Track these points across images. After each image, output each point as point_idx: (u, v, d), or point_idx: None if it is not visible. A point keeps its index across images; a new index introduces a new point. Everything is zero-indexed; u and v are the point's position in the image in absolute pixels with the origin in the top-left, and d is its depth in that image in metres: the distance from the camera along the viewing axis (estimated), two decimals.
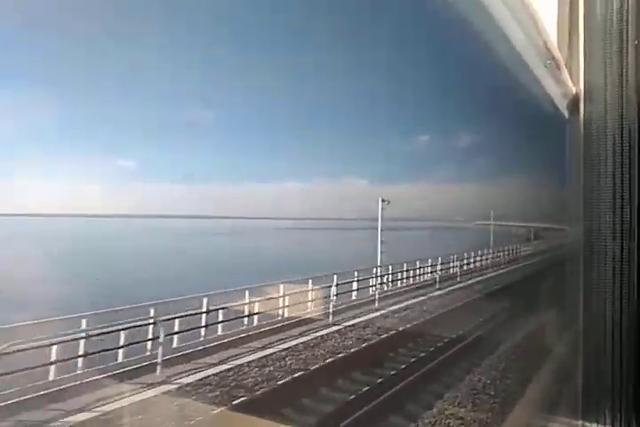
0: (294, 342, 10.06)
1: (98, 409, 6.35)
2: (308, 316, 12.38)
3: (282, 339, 10.23)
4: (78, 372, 7.62)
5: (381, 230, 21.23)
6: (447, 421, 6.91)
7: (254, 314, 11.50)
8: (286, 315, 12.16)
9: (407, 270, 20.44)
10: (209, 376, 7.88)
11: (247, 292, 12.18)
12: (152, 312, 9.15)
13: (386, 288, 17.87)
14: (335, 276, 14.51)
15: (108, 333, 8.42)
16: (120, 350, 8.40)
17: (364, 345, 10.33)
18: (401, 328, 11.81)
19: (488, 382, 8.55)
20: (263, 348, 9.54)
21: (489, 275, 24.15)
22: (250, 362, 8.68)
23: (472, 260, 27.11)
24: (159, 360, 8.07)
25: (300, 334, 10.71)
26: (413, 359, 9.52)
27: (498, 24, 2.11)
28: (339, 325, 11.71)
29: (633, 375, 1.68)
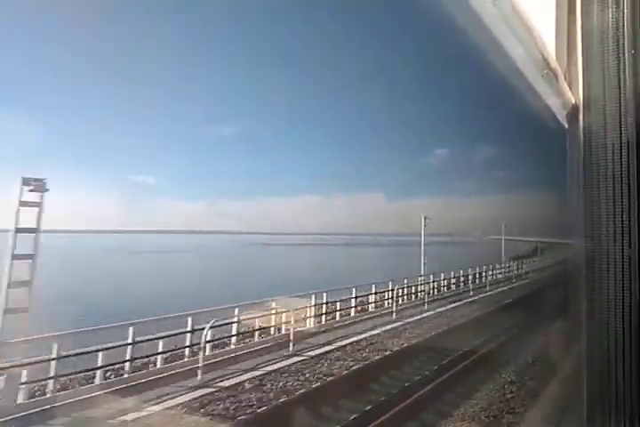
0: None
1: None
2: None
3: None
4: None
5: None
6: None
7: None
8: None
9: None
10: None
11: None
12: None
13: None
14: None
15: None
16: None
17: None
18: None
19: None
20: None
21: (498, 290, 24.25)
22: None
23: (483, 275, 27.07)
24: None
25: None
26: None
27: (495, 36, 2.12)
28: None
29: (637, 384, 1.63)
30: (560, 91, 2.28)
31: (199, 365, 8.99)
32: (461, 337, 12.95)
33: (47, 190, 7.80)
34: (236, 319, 11.62)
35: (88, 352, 8.62)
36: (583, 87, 2.28)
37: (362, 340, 12.38)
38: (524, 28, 2.16)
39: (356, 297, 16.71)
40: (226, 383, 8.58)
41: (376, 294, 17.99)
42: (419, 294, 20.32)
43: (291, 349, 11.04)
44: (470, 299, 20.69)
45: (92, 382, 8.61)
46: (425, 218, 23.55)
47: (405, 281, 20.13)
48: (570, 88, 2.37)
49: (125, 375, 8.78)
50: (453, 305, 18.87)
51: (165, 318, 10.55)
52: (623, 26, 1.86)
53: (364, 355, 11.06)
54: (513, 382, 9.27)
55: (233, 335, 11.54)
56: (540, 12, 2.23)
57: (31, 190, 7.64)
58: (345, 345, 11.80)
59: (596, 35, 2.08)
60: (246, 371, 9.34)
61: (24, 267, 7.60)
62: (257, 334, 12.37)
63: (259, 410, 7.35)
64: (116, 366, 9.37)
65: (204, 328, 9.96)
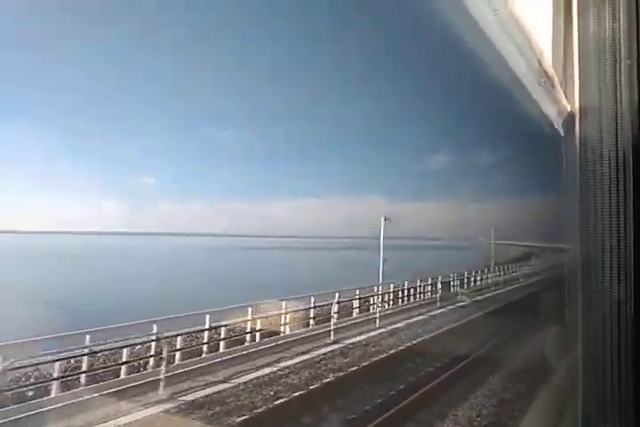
0: None
1: None
2: None
3: None
4: None
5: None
6: None
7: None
8: None
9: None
10: None
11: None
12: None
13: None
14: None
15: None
16: None
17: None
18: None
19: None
20: None
21: (491, 293, 24.14)
22: None
23: (472, 279, 27.07)
24: None
25: None
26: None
27: (494, 44, 2.14)
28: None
29: (632, 393, 1.64)
30: (556, 99, 2.31)
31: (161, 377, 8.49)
32: (412, 365, 10.66)
33: None
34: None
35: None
36: (579, 96, 2.31)
37: (262, 376, 9.40)
38: (523, 38, 2.20)
39: (285, 313, 13.54)
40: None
41: (315, 307, 14.99)
42: (371, 306, 17.72)
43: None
44: (439, 310, 18.48)
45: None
46: (385, 219, 20.99)
47: (357, 291, 17.53)
48: (566, 96, 2.41)
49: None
50: (415, 319, 16.58)
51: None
52: (619, 36, 1.90)
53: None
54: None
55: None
56: (537, 21, 2.27)
57: None
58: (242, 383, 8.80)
59: (593, 44, 2.12)
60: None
61: None
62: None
63: None
64: None
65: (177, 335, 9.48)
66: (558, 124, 2.46)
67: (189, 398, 8.49)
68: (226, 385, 9.21)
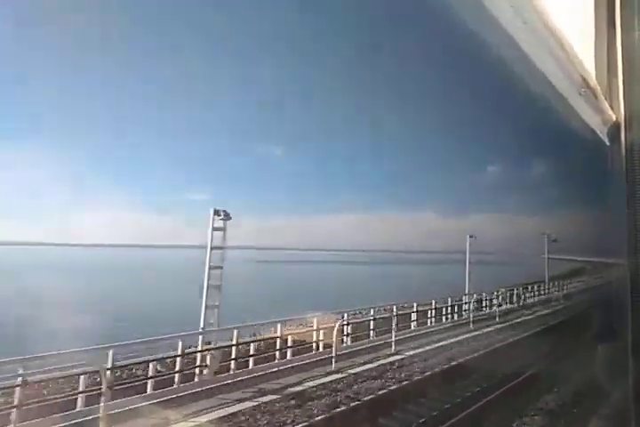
0: None
1: None
2: None
3: None
4: None
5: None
6: None
7: None
8: None
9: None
10: None
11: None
12: None
13: None
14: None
15: None
16: None
17: None
18: None
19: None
20: None
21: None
22: None
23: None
24: None
25: None
26: None
27: (528, 55, 2.14)
28: None
29: None
30: (599, 108, 2.26)
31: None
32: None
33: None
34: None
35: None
36: (624, 104, 2.25)
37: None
38: (559, 48, 2.18)
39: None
40: None
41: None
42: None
43: None
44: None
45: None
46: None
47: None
48: (610, 105, 2.34)
49: None
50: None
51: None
52: None
53: None
54: None
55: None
56: (578, 27, 2.23)
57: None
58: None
59: (637, 54, 2.07)
60: None
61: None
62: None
63: None
64: None
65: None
66: (603, 134, 2.40)
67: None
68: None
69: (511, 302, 23.65)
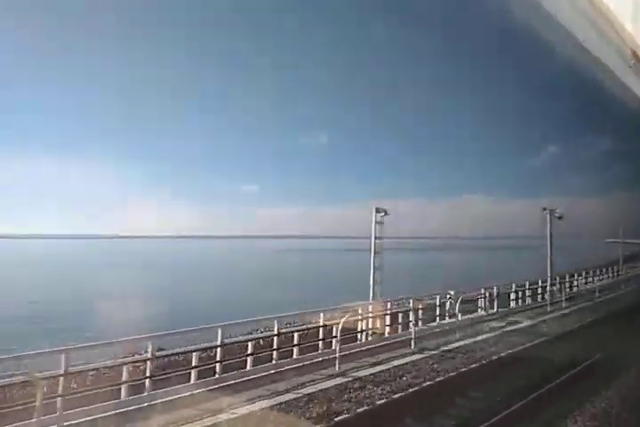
0: None
1: None
2: None
3: None
4: None
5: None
6: None
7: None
8: None
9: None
10: None
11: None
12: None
13: None
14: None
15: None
16: None
17: None
18: None
19: None
20: None
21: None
22: None
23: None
24: None
25: None
26: None
27: (574, 33, 2.30)
28: None
29: None
30: None
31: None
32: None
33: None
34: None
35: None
36: None
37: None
38: (605, 23, 2.27)
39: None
40: None
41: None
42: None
43: None
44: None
45: None
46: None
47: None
48: None
49: None
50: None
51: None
52: None
53: None
54: None
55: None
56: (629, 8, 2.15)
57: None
58: None
59: None
60: None
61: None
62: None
63: None
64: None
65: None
66: None
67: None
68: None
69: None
